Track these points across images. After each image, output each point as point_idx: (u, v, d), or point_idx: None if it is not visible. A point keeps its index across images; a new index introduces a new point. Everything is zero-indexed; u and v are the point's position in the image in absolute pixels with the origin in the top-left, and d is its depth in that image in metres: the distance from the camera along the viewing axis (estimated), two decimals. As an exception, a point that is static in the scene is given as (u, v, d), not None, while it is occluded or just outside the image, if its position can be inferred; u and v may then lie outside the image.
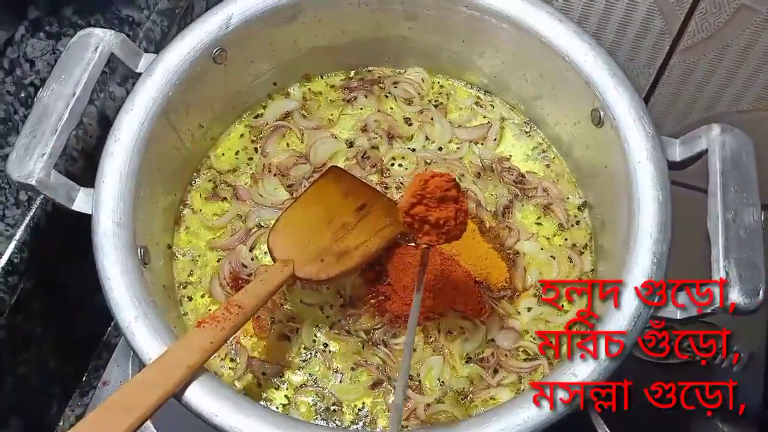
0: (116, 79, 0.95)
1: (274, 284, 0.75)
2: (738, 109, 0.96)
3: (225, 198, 0.90)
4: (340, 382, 0.80)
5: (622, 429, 0.85)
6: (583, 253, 0.87)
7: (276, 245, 0.78)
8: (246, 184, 0.91)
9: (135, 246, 0.73)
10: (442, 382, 0.80)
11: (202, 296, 0.85)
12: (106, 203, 0.74)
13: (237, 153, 0.93)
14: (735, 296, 0.67)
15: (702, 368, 0.90)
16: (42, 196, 0.82)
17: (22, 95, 0.84)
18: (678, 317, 0.69)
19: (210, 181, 0.91)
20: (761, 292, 0.67)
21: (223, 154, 0.93)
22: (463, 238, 0.85)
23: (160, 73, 0.80)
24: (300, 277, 0.77)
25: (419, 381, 0.80)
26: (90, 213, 0.74)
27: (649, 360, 0.89)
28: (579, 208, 0.89)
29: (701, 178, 0.83)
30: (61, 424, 0.97)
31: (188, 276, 0.86)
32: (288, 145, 0.94)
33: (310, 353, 0.82)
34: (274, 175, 0.91)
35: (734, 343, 0.91)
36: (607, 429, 0.84)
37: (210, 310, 0.83)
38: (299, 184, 0.90)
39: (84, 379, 1.02)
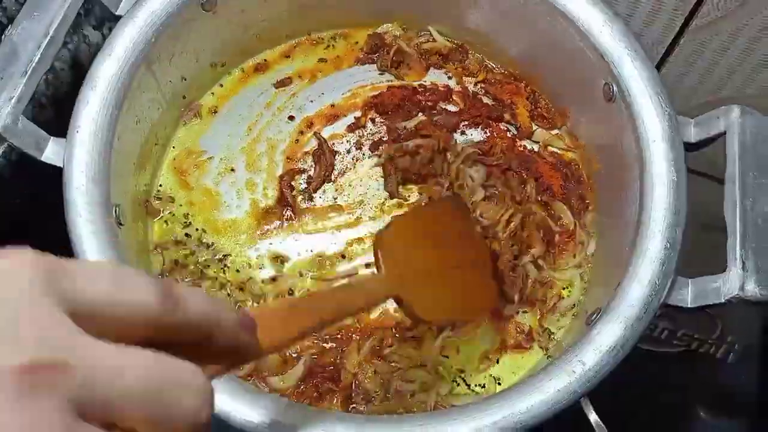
0: (91, 21, 0.87)
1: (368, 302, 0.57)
2: (746, 93, 0.93)
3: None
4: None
5: (613, 417, 0.83)
6: (591, 235, 0.83)
7: (387, 251, 0.61)
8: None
9: (110, 204, 0.67)
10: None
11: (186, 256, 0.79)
12: (80, 156, 0.67)
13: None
14: (751, 286, 0.63)
15: (698, 358, 0.88)
16: (6, 145, 0.74)
17: (-12, 34, 0.76)
18: (689, 305, 0.66)
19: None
20: (777, 283, 0.64)
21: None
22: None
23: (143, 17, 0.73)
24: (406, 306, 0.60)
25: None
26: (61, 165, 0.67)
27: (645, 349, 0.87)
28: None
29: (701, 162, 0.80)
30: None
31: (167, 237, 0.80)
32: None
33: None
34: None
35: (728, 333, 0.89)
36: (597, 418, 0.81)
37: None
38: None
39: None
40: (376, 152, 0.85)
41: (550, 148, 0.88)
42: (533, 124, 0.89)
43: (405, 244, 0.64)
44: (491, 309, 0.75)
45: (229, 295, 0.77)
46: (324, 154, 0.84)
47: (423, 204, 0.80)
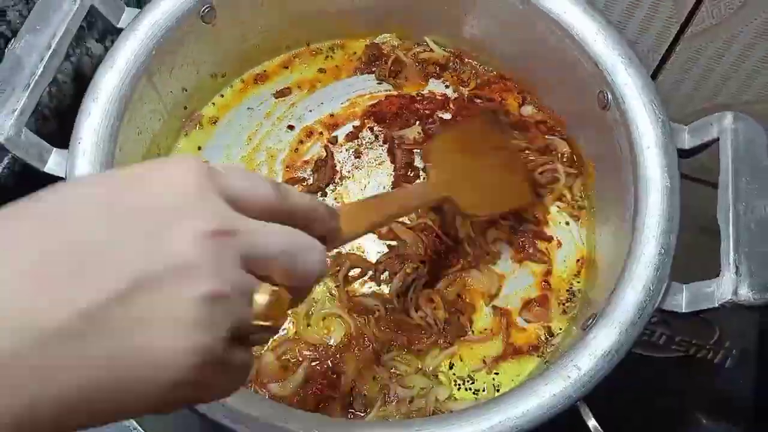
0: (94, 34, 0.89)
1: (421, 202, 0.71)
2: (742, 99, 0.93)
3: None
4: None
5: (610, 422, 0.83)
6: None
7: (435, 160, 0.76)
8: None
9: (111, 214, 0.68)
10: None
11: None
12: (82, 166, 0.68)
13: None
14: (744, 291, 0.64)
15: (695, 363, 0.88)
16: (9, 156, 0.76)
17: (-7, 47, 0.78)
18: (683, 311, 0.67)
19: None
20: (771, 288, 0.64)
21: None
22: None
23: (144, 30, 0.74)
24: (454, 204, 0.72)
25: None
26: (63, 176, 0.68)
27: (641, 354, 0.87)
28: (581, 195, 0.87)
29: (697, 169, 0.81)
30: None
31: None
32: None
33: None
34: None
35: (726, 339, 0.89)
36: (596, 423, 0.82)
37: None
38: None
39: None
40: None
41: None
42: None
43: (449, 153, 0.77)
44: (525, 203, 0.84)
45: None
46: (326, 165, 0.85)
47: (464, 119, 0.87)
